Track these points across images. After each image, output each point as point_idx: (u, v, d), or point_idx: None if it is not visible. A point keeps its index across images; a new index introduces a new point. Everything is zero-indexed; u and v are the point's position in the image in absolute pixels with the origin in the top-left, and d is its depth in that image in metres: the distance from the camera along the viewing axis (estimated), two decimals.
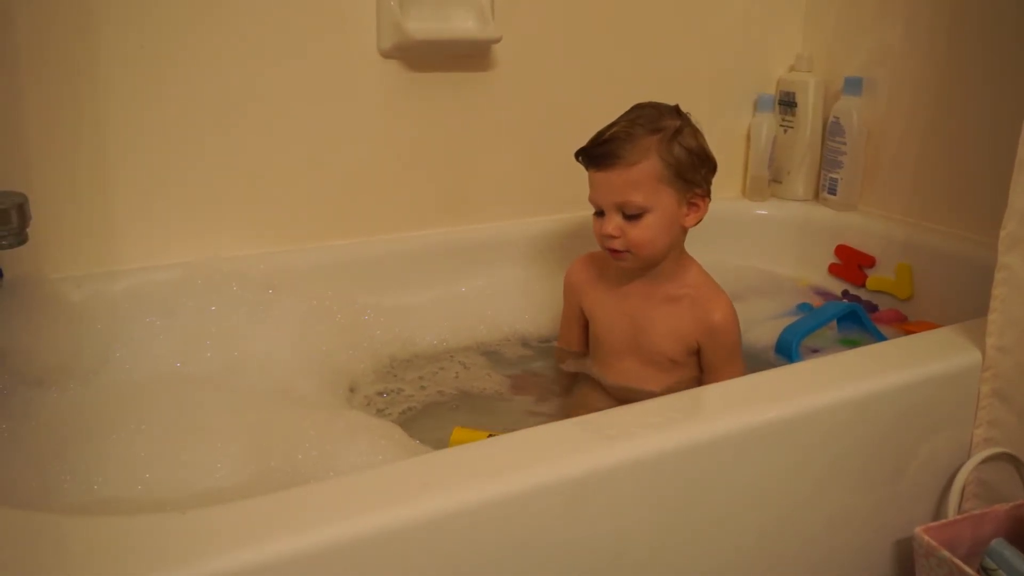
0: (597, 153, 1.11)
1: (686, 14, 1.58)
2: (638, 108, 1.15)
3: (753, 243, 1.65)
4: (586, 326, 1.27)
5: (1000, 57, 1.36)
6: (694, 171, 1.12)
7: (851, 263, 1.57)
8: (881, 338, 1.33)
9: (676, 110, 1.15)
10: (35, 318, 1.07)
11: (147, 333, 1.14)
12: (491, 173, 1.47)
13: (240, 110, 1.25)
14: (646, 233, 1.11)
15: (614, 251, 1.14)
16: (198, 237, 1.26)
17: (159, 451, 0.92)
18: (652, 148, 1.10)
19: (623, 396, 1.19)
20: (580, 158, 1.13)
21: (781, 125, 1.68)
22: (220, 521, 0.67)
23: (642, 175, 1.09)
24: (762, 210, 1.68)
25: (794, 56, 1.68)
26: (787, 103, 1.66)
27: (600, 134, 1.13)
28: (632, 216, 1.11)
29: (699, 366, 1.18)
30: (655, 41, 1.56)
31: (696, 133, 1.14)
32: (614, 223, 1.12)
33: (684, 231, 1.16)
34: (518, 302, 1.42)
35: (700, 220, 1.15)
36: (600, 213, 1.14)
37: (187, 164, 1.23)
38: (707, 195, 1.14)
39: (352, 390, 1.21)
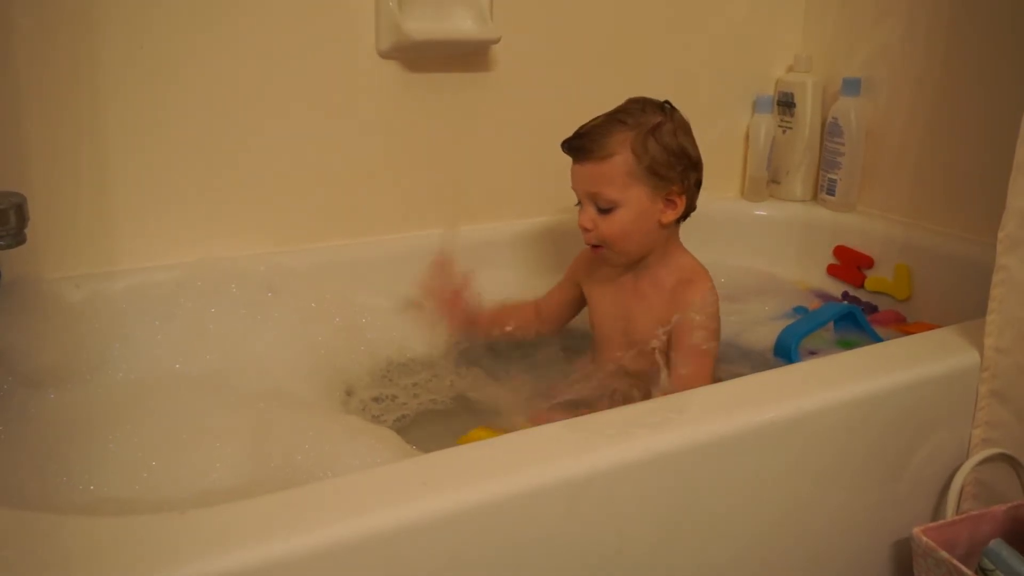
0: (573, 146, 1.13)
1: (685, 14, 1.58)
2: (627, 102, 1.15)
3: (751, 244, 1.65)
4: (570, 300, 1.29)
5: (999, 57, 1.37)
6: (669, 168, 1.11)
7: (849, 264, 1.57)
8: (878, 339, 1.33)
9: (662, 106, 1.15)
10: (34, 318, 1.07)
11: (146, 333, 1.14)
12: (490, 173, 1.47)
13: (239, 110, 1.25)
14: (617, 228, 1.12)
15: (590, 244, 1.15)
16: (197, 238, 1.26)
17: (158, 451, 0.92)
18: (626, 143, 1.10)
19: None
20: (564, 148, 1.15)
21: (780, 126, 1.68)
22: (220, 521, 0.67)
23: (613, 170, 1.10)
24: (760, 211, 1.69)
25: (792, 56, 1.69)
26: (786, 103, 1.66)
27: (582, 126, 1.14)
28: (605, 210, 1.12)
29: None
30: (654, 41, 1.56)
31: (678, 131, 1.13)
32: (588, 215, 1.13)
33: (664, 227, 1.15)
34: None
35: (680, 217, 1.15)
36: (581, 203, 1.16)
37: (186, 164, 1.23)
38: (685, 192, 1.13)
39: (349, 394, 1.20)
